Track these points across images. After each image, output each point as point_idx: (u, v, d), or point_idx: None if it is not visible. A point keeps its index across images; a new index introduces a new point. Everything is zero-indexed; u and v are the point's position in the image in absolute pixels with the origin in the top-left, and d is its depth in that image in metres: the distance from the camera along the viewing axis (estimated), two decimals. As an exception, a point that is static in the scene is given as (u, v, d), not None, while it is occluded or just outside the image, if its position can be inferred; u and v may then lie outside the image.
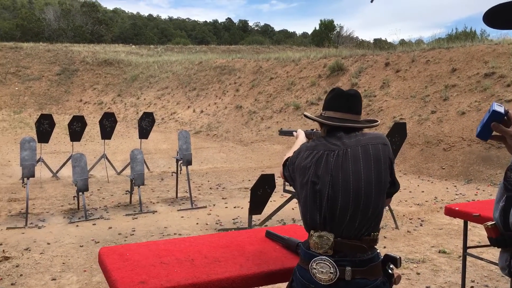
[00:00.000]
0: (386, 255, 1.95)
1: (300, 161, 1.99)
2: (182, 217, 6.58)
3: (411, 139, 10.42)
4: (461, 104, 11.01)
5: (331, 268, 1.82)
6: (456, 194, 7.77)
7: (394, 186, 2.01)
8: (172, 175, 8.07)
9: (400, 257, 1.95)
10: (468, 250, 3.69)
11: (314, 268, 1.84)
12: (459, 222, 5.90)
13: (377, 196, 1.88)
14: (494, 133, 1.42)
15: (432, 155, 10.01)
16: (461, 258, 4.57)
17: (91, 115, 21.40)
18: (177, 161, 7.52)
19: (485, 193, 7.81)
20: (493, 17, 1.18)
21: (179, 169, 7.60)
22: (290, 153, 2.19)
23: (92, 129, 15.28)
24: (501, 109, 1.37)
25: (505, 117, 1.38)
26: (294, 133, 2.57)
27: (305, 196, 1.93)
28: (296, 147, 2.25)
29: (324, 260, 1.83)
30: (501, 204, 1.21)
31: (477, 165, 9.04)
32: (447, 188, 8.28)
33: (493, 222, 1.24)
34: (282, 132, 2.99)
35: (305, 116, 2.21)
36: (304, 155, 1.99)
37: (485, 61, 12.01)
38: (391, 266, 1.94)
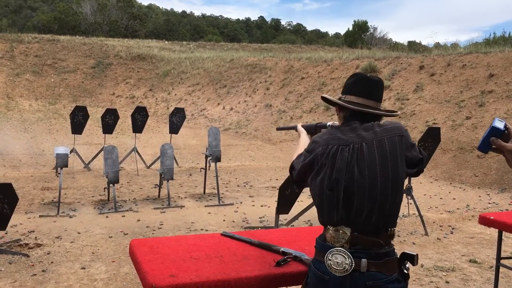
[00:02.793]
0: (403, 253, 1.91)
1: (316, 156, 1.96)
2: (209, 213, 6.62)
3: (444, 144, 10.19)
4: (497, 110, 10.70)
5: (347, 259, 1.80)
6: (489, 203, 7.56)
7: (422, 163, 1.99)
8: (200, 171, 8.13)
9: (417, 254, 1.91)
10: (501, 261, 3.58)
11: (330, 260, 1.83)
12: (492, 231, 5.75)
13: (394, 192, 1.86)
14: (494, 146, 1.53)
15: (465, 161, 9.77)
16: (492, 268, 4.45)
17: (123, 108, 21.76)
18: (206, 157, 7.57)
19: (519, 203, 7.58)
20: None
21: (207, 165, 7.65)
22: (295, 155, 2.17)
23: (124, 122, 15.55)
24: (501, 125, 1.51)
25: (506, 132, 1.52)
26: (298, 127, 2.54)
27: (320, 193, 1.90)
28: (301, 146, 2.26)
29: (340, 252, 1.82)
30: None
31: (512, 174, 8.77)
32: (479, 196, 8.07)
33: None
34: (280, 129, 2.97)
35: (323, 98, 2.15)
36: (319, 151, 1.94)
37: (524, 67, 11.64)
38: (407, 266, 1.91)
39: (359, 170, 1.85)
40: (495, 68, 12.34)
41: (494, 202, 7.60)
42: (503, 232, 3.36)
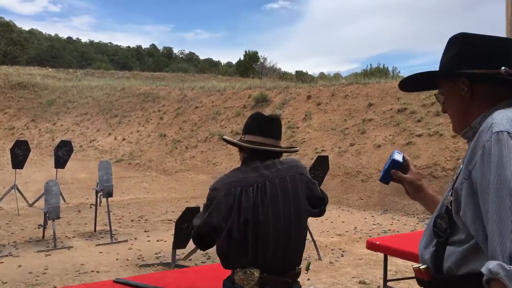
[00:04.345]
0: None
1: (219, 202, 1.90)
2: (101, 252, 6.23)
3: (332, 170, 10.77)
4: (377, 137, 11.63)
5: None
6: (374, 224, 8.10)
7: (323, 201, 2.06)
8: (90, 207, 7.67)
9: None
10: (388, 283, 3.82)
11: None
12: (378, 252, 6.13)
13: (297, 231, 1.90)
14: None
15: (351, 186, 10.41)
16: (380, 288, 4.73)
17: (1, 141, 19.97)
18: (97, 192, 7.17)
19: (400, 222, 8.22)
20: (407, 86, 1.44)
21: (98, 201, 7.25)
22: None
23: (2, 156, 14.24)
24: (399, 157, 1.58)
25: (404, 163, 1.58)
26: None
27: (229, 238, 1.88)
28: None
29: None
30: (431, 249, 1.27)
31: (392, 195, 9.51)
32: (365, 218, 8.61)
33: (426, 266, 1.30)
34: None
35: (224, 140, 2.17)
36: (222, 195, 1.90)
37: (398, 97, 12.85)
38: None
39: (263, 210, 1.85)
40: (373, 98, 13.46)
41: (378, 223, 8.16)
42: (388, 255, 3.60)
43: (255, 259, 1.84)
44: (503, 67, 1.21)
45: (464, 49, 1.27)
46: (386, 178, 1.60)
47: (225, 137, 2.20)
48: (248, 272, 1.84)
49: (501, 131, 1.07)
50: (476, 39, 1.27)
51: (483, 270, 1.03)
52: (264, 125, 2.04)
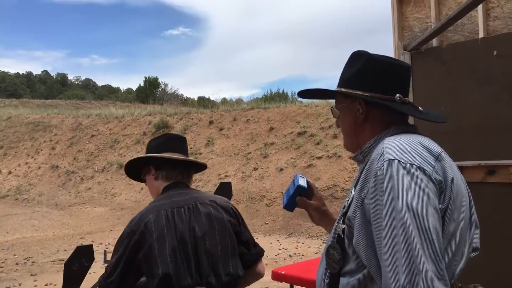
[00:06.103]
0: None
1: (147, 229, 1.72)
2: (-25, 305, 5.43)
3: (236, 196, 10.65)
4: (279, 160, 11.76)
5: None
6: (280, 249, 8.04)
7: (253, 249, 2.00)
8: (-36, 252, 6.73)
9: None
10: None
11: None
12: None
13: (233, 253, 1.86)
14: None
15: (256, 211, 10.34)
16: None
17: None
18: (-28, 235, 6.31)
19: (304, 245, 8.25)
20: (306, 94, 1.44)
21: (-27, 245, 6.37)
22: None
23: None
24: (304, 182, 1.51)
25: (308, 188, 1.53)
26: None
27: (170, 262, 1.69)
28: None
29: None
30: (326, 281, 1.23)
31: (296, 219, 9.58)
32: (271, 243, 8.53)
33: None
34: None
35: (141, 158, 2.03)
36: (150, 220, 1.73)
37: (297, 121, 13.18)
38: None
39: (200, 227, 1.78)
40: (274, 122, 13.68)
41: (283, 248, 8.12)
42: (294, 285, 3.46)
43: (200, 278, 1.73)
44: (397, 95, 1.23)
45: (364, 70, 1.26)
46: (291, 205, 1.51)
47: (143, 155, 2.03)
48: None
49: (392, 159, 1.07)
50: (377, 62, 1.26)
51: None
52: (178, 143, 2.02)
